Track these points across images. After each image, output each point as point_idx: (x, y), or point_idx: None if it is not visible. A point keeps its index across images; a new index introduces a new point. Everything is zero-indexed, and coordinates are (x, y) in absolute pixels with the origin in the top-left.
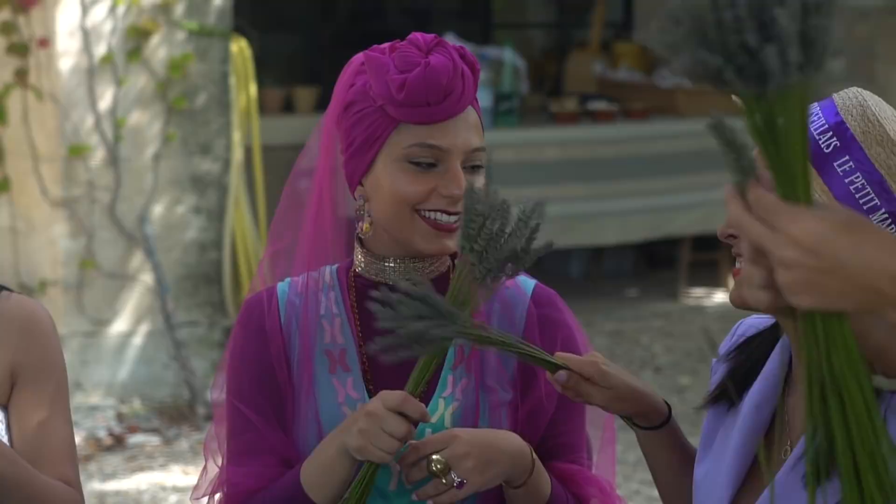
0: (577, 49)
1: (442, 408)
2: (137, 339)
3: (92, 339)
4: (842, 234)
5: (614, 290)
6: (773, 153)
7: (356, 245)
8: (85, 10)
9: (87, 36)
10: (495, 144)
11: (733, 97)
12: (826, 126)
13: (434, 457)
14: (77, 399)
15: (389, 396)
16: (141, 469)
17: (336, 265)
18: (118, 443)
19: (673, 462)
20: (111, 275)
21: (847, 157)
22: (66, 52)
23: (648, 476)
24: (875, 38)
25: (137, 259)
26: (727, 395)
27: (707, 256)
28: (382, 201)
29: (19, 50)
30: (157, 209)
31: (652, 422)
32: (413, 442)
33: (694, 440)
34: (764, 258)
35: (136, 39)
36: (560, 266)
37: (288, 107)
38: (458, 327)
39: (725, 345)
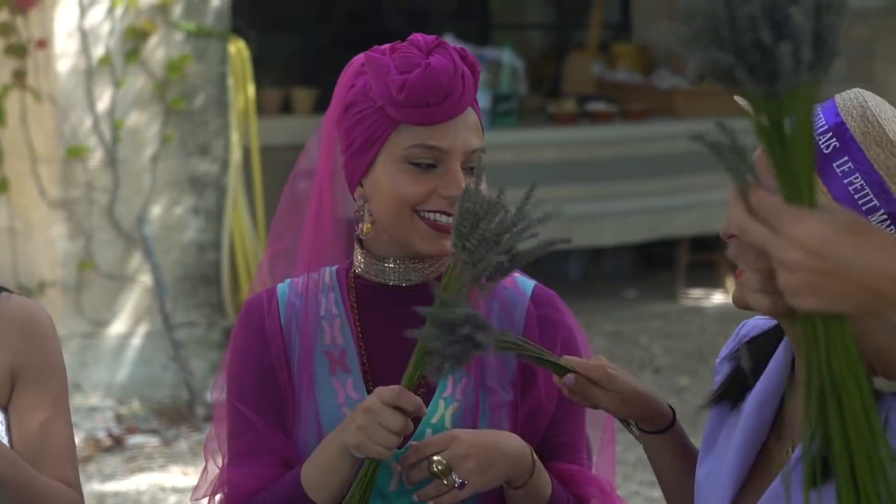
0: (576, 50)
1: (442, 408)
2: (136, 340)
3: (91, 340)
4: (844, 237)
5: (613, 291)
6: (779, 154)
7: (356, 246)
8: (83, 11)
9: (85, 37)
10: (494, 145)
11: (736, 98)
12: (826, 127)
13: (435, 458)
14: (76, 400)
15: (385, 391)
16: (140, 470)
17: (336, 266)
18: (117, 444)
19: (677, 465)
20: (110, 276)
21: (846, 158)
22: (65, 53)
23: (648, 477)
24: (874, 39)
25: (136, 260)
26: (730, 394)
27: (705, 257)
28: (382, 202)
29: (17, 51)
30: (156, 210)
31: (656, 426)
32: (414, 443)
33: (693, 440)
34: (763, 262)
35: (134, 40)
36: (558, 267)
37: (286, 108)
38: (492, 335)
39: (729, 345)
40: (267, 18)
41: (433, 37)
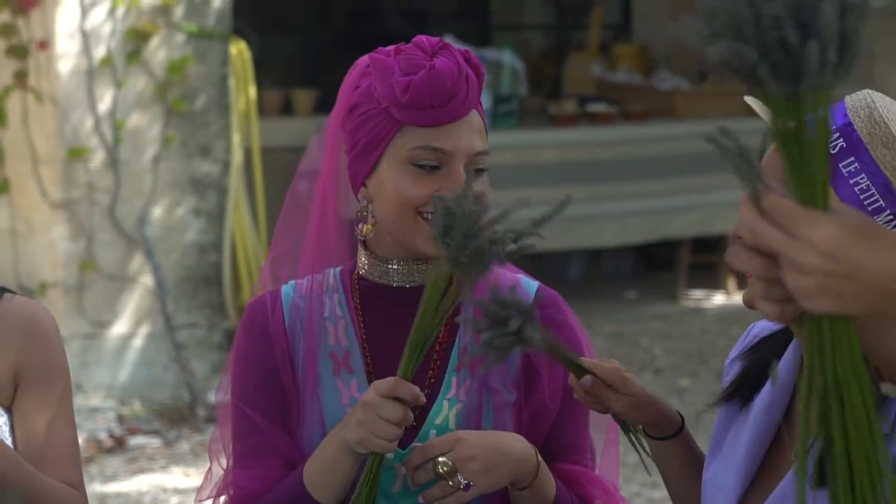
0: (576, 51)
1: (446, 409)
2: (137, 341)
3: (92, 341)
4: (858, 239)
5: (613, 291)
6: (795, 155)
7: (359, 247)
8: (84, 12)
9: (86, 38)
10: (494, 146)
11: (746, 98)
12: (833, 127)
13: (440, 459)
14: (77, 401)
15: (381, 384)
16: (142, 471)
17: (340, 267)
18: (119, 445)
19: (685, 471)
20: (111, 277)
21: (853, 159)
22: (66, 54)
23: (648, 478)
24: (874, 39)
25: (137, 261)
26: (740, 393)
27: (706, 258)
28: (385, 203)
29: (19, 52)
30: (157, 211)
31: (665, 431)
32: (418, 444)
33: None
34: (769, 269)
35: (135, 41)
36: (559, 268)
37: (287, 109)
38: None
39: (739, 346)
40: (267, 20)
41: (437, 39)
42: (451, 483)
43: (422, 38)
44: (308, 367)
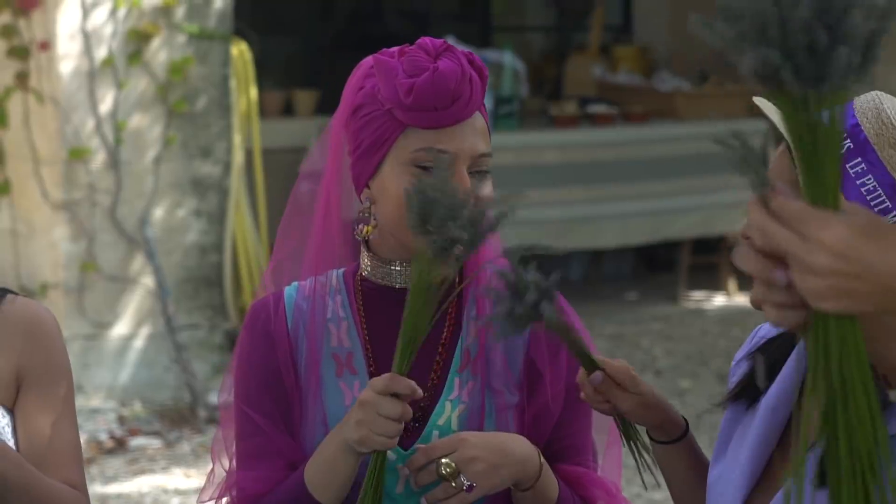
0: (577, 52)
1: (449, 410)
2: (138, 342)
3: (93, 342)
4: (867, 239)
5: (614, 293)
6: (810, 156)
7: (362, 249)
8: (85, 13)
9: (87, 39)
10: (495, 147)
11: (755, 100)
12: None
13: (443, 460)
14: (78, 402)
15: (377, 381)
16: (142, 472)
17: (343, 269)
18: (119, 446)
19: (689, 476)
20: (112, 278)
21: (860, 160)
22: (67, 55)
23: (649, 479)
24: None
25: (138, 262)
26: (746, 394)
27: (707, 260)
28: (388, 204)
29: (20, 53)
30: (158, 212)
31: (670, 435)
32: (421, 446)
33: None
34: (777, 273)
35: (136, 42)
36: (559, 269)
37: (288, 110)
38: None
39: (745, 347)
40: (269, 20)
41: (441, 41)
42: (454, 484)
43: (426, 41)
44: (311, 369)
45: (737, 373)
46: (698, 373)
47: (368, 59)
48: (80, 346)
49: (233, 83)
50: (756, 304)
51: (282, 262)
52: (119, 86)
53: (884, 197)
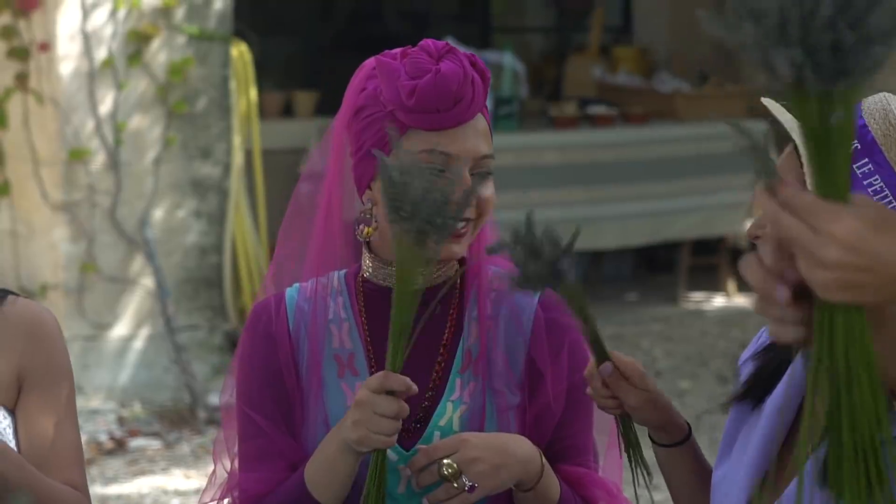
0: (577, 53)
1: (450, 411)
2: (138, 343)
3: (93, 342)
4: (878, 231)
5: (614, 294)
6: (823, 149)
7: (364, 250)
8: (85, 14)
9: (87, 40)
10: (495, 148)
11: (763, 100)
12: None
13: (445, 461)
14: (78, 403)
15: (371, 380)
16: (142, 473)
17: (344, 270)
18: (119, 446)
19: (692, 479)
20: (112, 279)
21: (867, 160)
22: (67, 56)
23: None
24: None
25: (138, 263)
26: (752, 394)
27: (707, 261)
28: None
29: (20, 54)
30: (158, 213)
31: (672, 438)
32: (423, 446)
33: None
34: (780, 289)
35: (136, 43)
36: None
37: (287, 111)
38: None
39: (752, 347)
40: (268, 21)
41: (444, 42)
42: (455, 485)
43: (428, 42)
44: (312, 370)
45: (744, 371)
46: (698, 374)
47: (370, 61)
48: (80, 347)
49: (232, 84)
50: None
51: (283, 263)
52: (119, 87)
53: (891, 197)
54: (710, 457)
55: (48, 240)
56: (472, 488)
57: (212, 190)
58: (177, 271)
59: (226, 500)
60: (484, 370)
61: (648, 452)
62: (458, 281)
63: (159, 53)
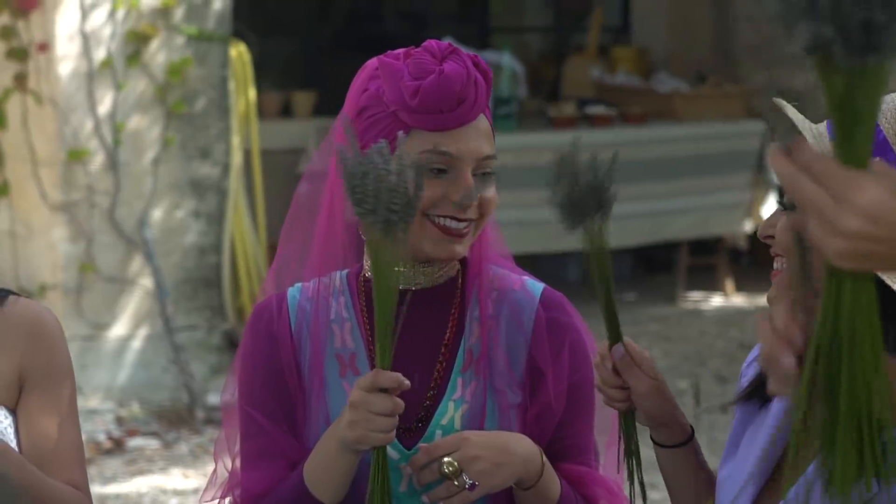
0: (575, 53)
1: (452, 410)
2: (136, 343)
3: (91, 342)
4: None
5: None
6: (847, 120)
7: (366, 250)
8: (84, 14)
9: (86, 40)
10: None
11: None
12: None
13: (445, 459)
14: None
15: (362, 381)
16: (141, 472)
17: (346, 270)
18: (118, 446)
19: (692, 483)
20: (110, 279)
21: (879, 159)
22: (66, 56)
23: (647, 479)
24: None
25: (137, 263)
26: (758, 394)
27: (705, 261)
28: None
29: (19, 54)
30: (157, 213)
31: (675, 439)
32: (423, 445)
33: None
34: (787, 359)
35: (135, 44)
36: (557, 270)
37: (286, 111)
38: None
39: (757, 349)
40: (267, 22)
41: (447, 43)
42: (456, 483)
43: (431, 43)
44: (314, 370)
45: (748, 374)
46: (696, 373)
47: (373, 61)
48: (79, 347)
49: (231, 84)
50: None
51: (285, 263)
52: (118, 87)
53: None
54: (708, 456)
55: (47, 240)
56: (472, 486)
57: (210, 190)
58: (175, 271)
59: (227, 500)
60: (485, 370)
61: (648, 452)
62: (460, 281)
63: (158, 54)
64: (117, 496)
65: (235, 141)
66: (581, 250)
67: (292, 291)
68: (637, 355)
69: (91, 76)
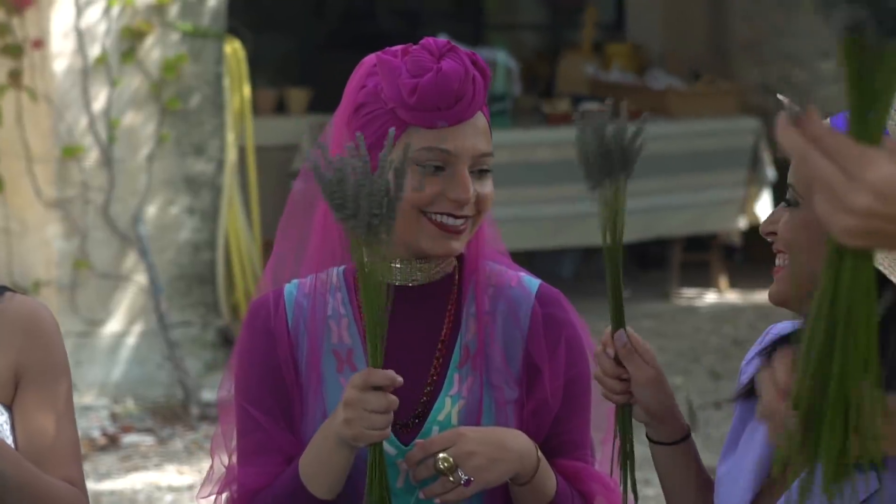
0: (569, 50)
1: (448, 406)
2: (131, 340)
3: (85, 339)
4: None
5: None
6: (864, 95)
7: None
8: (79, 11)
9: (81, 37)
10: None
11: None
12: None
13: (441, 455)
14: None
15: (355, 379)
16: (135, 469)
17: (343, 266)
18: (112, 443)
19: (688, 482)
20: (105, 275)
21: (891, 138)
22: (61, 53)
23: (641, 475)
24: None
25: (131, 259)
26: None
27: (699, 257)
28: None
29: (13, 51)
30: (151, 210)
31: (672, 436)
32: (420, 441)
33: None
34: (790, 417)
35: (130, 40)
36: (551, 266)
37: (281, 108)
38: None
39: (757, 347)
40: (262, 19)
41: (445, 41)
42: (451, 479)
43: (429, 41)
44: (311, 366)
45: (748, 371)
46: (690, 369)
47: (371, 58)
48: (73, 344)
49: (226, 81)
50: (774, 299)
51: (281, 259)
52: (112, 84)
53: None
54: (702, 452)
55: (41, 236)
56: (468, 482)
57: (205, 186)
58: (170, 268)
59: (224, 495)
60: (482, 365)
61: (643, 449)
62: (457, 277)
63: (153, 50)
64: (112, 493)
65: (230, 137)
66: (574, 247)
67: (289, 288)
68: (641, 345)
69: (86, 73)
